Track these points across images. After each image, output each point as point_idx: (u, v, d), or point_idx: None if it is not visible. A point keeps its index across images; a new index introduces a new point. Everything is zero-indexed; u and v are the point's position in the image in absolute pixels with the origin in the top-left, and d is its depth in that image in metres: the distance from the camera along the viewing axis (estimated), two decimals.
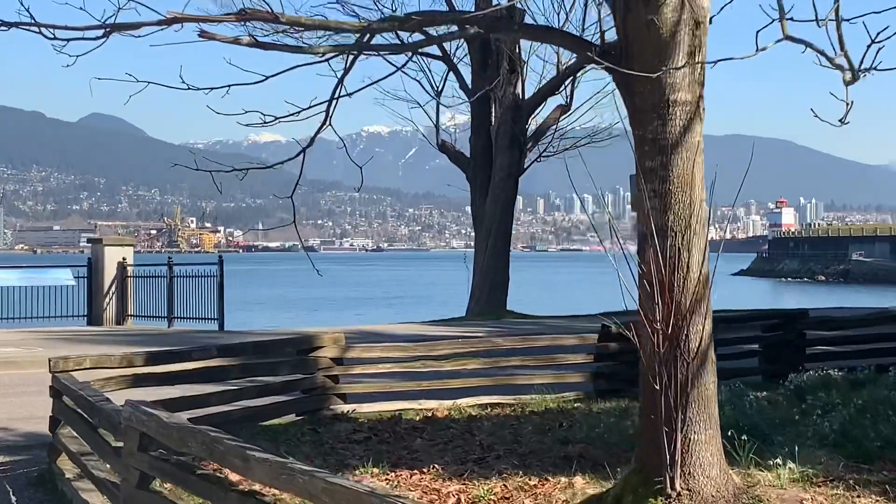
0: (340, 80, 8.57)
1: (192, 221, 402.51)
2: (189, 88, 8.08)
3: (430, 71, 30.29)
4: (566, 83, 29.16)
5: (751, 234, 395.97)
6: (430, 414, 12.08)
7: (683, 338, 6.61)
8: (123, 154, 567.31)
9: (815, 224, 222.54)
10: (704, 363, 7.06)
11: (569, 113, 29.58)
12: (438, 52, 30.30)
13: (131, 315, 26.15)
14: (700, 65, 6.51)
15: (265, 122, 8.70)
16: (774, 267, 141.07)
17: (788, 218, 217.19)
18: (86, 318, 26.14)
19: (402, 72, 30.10)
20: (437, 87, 30.37)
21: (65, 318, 25.66)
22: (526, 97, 29.11)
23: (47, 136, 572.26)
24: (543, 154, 29.77)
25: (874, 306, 40.52)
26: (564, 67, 28.82)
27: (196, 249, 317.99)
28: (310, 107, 8.55)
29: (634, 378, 13.88)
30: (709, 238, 7.25)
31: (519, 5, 29.07)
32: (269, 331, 25.87)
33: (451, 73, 30.36)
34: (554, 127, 29.45)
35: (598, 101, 29.24)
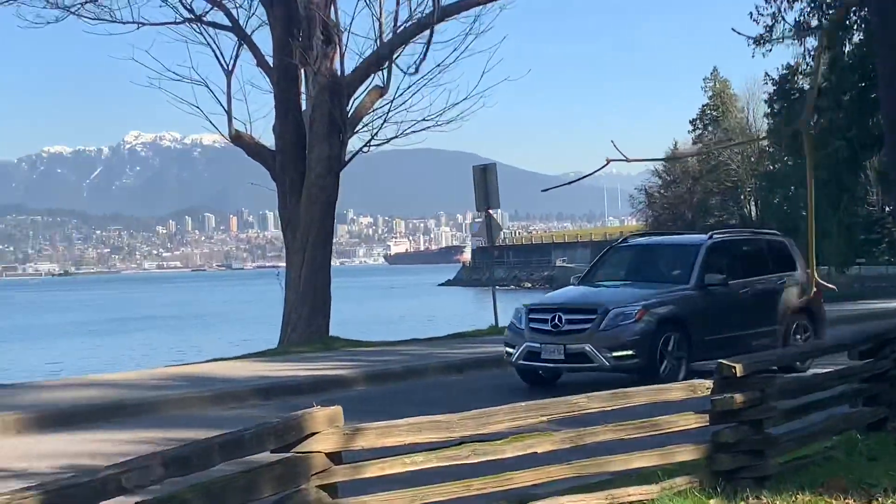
0: None
1: None
2: None
3: (217, 45, 24.38)
4: (387, 62, 24.00)
5: (443, 245, 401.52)
6: None
7: None
8: None
9: (514, 233, 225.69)
10: None
11: (390, 97, 24.33)
12: (227, 22, 24.53)
13: None
14: None
15: None
16: (481, 276, 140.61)
17: None
18: None
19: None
20: (228, 65, 24.48)
21: None
22: (346, 73, 23.71)
23: None
24: (372, 142, 24.32)
25: None
26: (387, 40, 23.69)
27: None
28: None
29: (761, 449, 9.05)
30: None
31: None
32: (54, 381, 19.37)
33: (244, 47, 24.58)
34: (387, 113, 24.10)
35: (430, 80, 24.04)
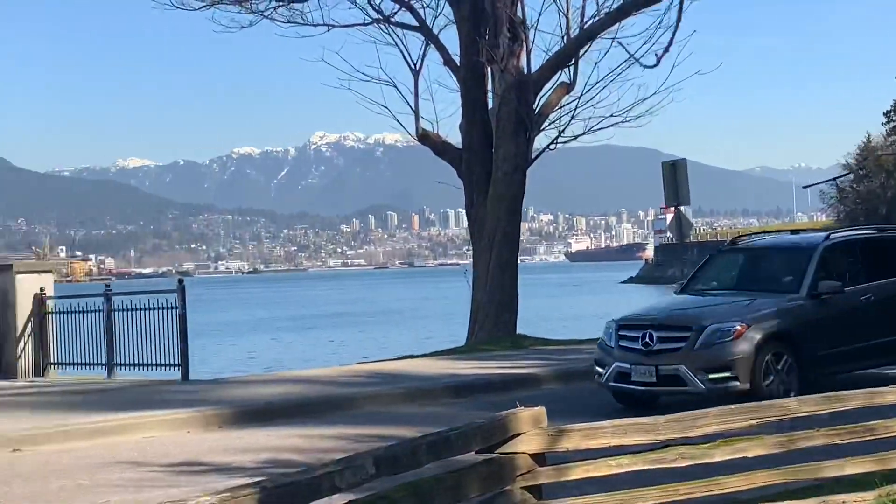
0: None
1: (61, 250, 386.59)
2: None
3: (405, 45, 24.66)
4: (574, 58, 23.77)
5: (624, 243, 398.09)
6: None
7: None
8: None
9: (698, 229, 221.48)
10: None
11: (576, 93, 24.08)
12: (414, 22, 24.74)
13: (54, 363, 19.84)
14: None
15: None
16: (664, 273, 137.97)
17: None
18: None
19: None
20: (415, 64, 24.72)
21: None
22: (532, 70, 23.62)
23: None
24: (559, 139, 24.18)
25: None
26: (574, 36, 23.49)
27: (67, 279, 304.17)
28: None
29: None
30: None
31: None
32: (251, 377, 19.93)
33: (430, 47, 24.77)
34: (574, 109, 23.88)
35: (618, 75, 23.68)
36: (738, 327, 13.38)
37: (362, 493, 5.64)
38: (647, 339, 13.66)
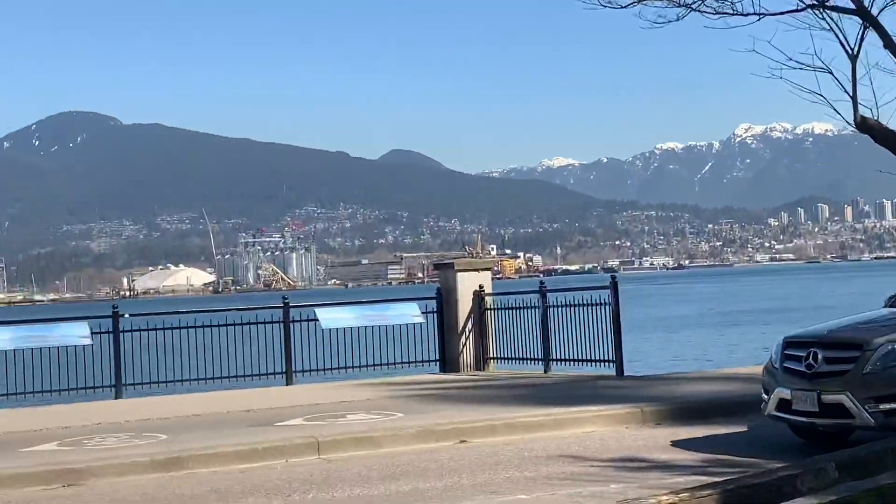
0: None
1: (492, 248, 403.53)
2: None
3: (840, 30, 23.56)
4: None
5: None
6: None
7: None
8: (423, 187, 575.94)
9: None
10: None
11: None
12: (851, 5, 23.56)
13: (493, 357, 20.69)
14: None
15: None
16: None
17: None
18: (438, 363, 20.89)
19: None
20: (852, 49, 23.54)
21: (413, 365, 20.60)
22: None
23: (352, 175, 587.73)
24: None
25: None
26: None
27: (497, 276, 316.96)
28: None
29: None
30: None
31: None
32: (685, 374, 19.82)
33: (869, 29, 23.51)
34: None
35: None
36: None
37: (824, 497, 5.40)
38: (811, 360, 11.17)
